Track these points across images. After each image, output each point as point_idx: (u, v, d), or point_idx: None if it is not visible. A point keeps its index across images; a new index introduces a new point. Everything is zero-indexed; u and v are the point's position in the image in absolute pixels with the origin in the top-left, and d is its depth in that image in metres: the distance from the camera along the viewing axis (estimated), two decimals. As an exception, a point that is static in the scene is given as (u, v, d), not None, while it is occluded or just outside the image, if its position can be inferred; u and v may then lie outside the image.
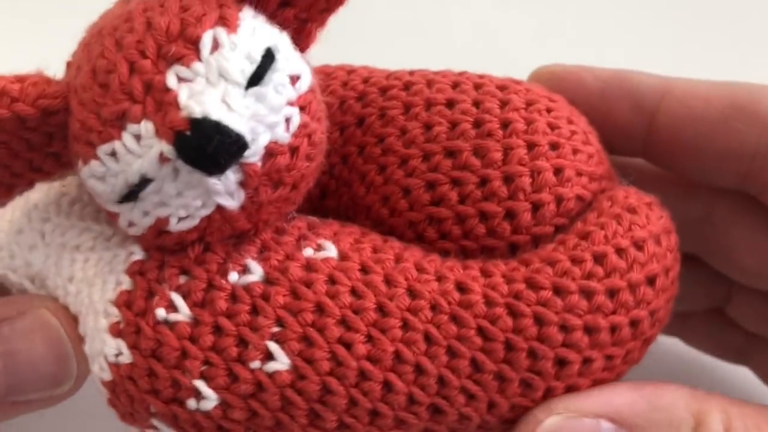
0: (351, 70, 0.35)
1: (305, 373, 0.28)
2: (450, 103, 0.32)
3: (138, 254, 0.30)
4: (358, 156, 0.33)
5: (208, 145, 0.25)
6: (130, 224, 0.29)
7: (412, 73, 0.34)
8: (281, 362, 0.28)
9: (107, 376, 0.29)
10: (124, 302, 0.29)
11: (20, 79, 0.28)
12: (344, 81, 0.35)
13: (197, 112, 0.25)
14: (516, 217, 0.30)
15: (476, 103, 0.32)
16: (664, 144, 0.35)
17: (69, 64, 0.30)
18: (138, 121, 0.26)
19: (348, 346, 0.28)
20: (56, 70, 0.29)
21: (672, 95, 0.34)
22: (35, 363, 0.31)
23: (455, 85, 0.33)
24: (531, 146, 0.31)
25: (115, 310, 0.29)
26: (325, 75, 0.35)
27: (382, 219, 0.32)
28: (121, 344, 0.29)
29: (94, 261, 0.31)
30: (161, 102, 0.26)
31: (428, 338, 0.28)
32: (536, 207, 0.30)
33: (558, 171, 0.31)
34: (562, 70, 0.36)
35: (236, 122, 0.25)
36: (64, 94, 0.28)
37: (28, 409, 0.33)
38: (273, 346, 0.28)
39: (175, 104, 0.25)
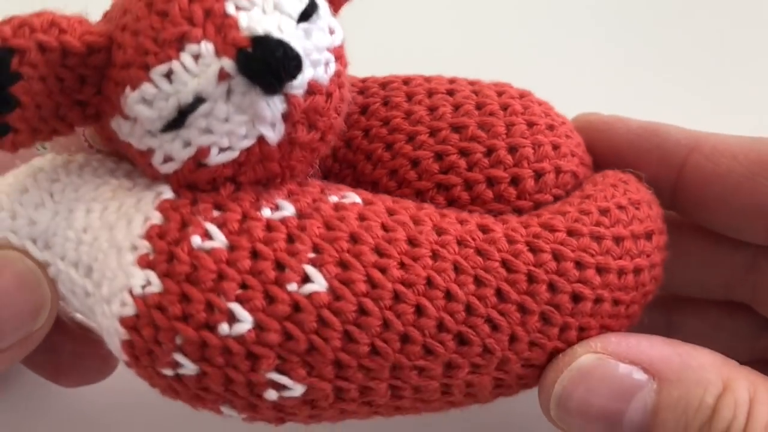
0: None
1: (342, 293, 0.28)
2: (450, 92, 0.35)
3: (167, 193, 0.30)
4: (363, 138, 0.35)
5: (272, 59, 0.26)
6: (167, 159, 0.29)
7: (407, 76, 0.37)
8: (318, 284, 0.28)
9: (130, 311, 0.29)
10: (157, 234, 0.29)
11: (65, 17, 0.29)
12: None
13: (259, 30, 0.27)
14: (521, 182, 0.33)
15: (475, 92, 0.35)
16: (692, 199, 0.35)
17: (107, 13, 0.31)
18: (198, 41, 0.27)
19: (383, 270, 0.29)
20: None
21: (699, 151, 0.35)
22: (8, 297, 0.31)
23: (451, 82, 0.36)
24: (530, 124, 0.34)
25: (144, 243, 0.29)
26: None
27: (389, 191, 0.34)
28: (150, 274, 0.28)
29: (114, 207, 0.30)
30: (221, 25, 0.27)
31: (456, 268, 0.29)
32: (538, 175, 0.33)
33: (556, 147, 0.34)
34: (597, 120, 0.37)
35: (295, 43, 0.27)
36: (108, 34, 0.29)
37: (8, 361, 0.31)
38: (310, 269, 0.28)
39: (236, 26, 0.27)
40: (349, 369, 0.29)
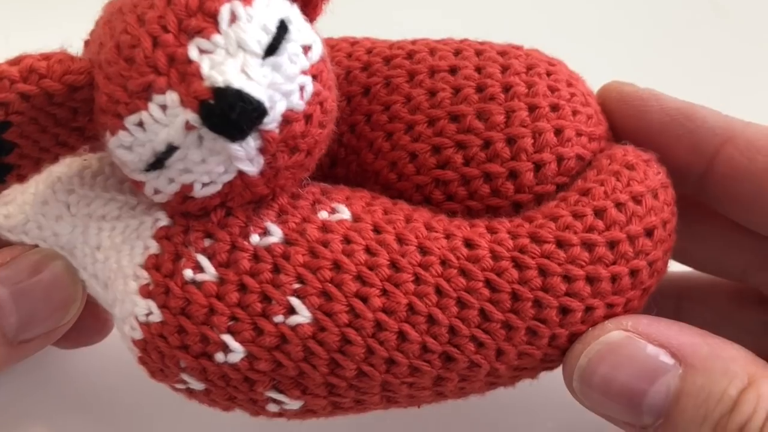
0: (354, 42, 0.37)
1: (325, 325, 0.29)
2: (453, 70, 0.34)
3: (163, 220, 0.31)
4: (366, 124, 0.34)
5: (231, 113, 0.26)
6: (156, 192, 0.30)
7: (414, 42, 0.36)
8: (303, 316, 0.29)
9: (138, 335, 0.31)
10: (153, 265, 0.30)
11: (46, 57, 0.29)
12: (348, 52, 0.36)
13: (220, 81, 0.27)
14: (519, 176, 0.32)
15: (478, 69, 0.33)
16: (721, 191, 0.34)
17: (88, 42, 0.31)
18: (163, 92, 0.27)
19: (364, 299, 0.29)
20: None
21: (733, 143, 0.33)
22: (45, 292, 0.33)
23: (457, 52, 0.34)
24: (532, 108, 0.32)
25: (144, 273, 0.31)
26: (329, 47, 0.36)
27: (390, 183, 0.34)
28: (152, 304, 0.30)
29: (120, 229, 0.32)
30: (184, 73, 0.27)
31: (439, 291, 0.30)
32: (538, 166, 0.32)
33: (558, 131, 0.32)
34: (631, 91, 0.35)
35: (256, 90, 0.27)
36: (88, 70, 0.29)
37: (34, 349, 0.34)
38: (295, 301, 0.29)
39: (198, 75, 0.27)
40: (339, 388, 0.30)
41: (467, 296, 0.29)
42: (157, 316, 0.30)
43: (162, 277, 0.30)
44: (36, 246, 0.34)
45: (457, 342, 0.30)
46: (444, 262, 0.30)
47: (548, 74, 0.34)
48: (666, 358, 0.29)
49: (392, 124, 0.34)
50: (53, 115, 0.30)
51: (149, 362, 0.31)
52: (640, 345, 0.30)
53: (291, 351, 0.29)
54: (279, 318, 0.29)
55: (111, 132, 0.29)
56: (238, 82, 0.27)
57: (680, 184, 0.34)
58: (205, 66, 0.27)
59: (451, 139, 0.33)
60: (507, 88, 0.33)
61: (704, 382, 0.29)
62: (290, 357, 0.30)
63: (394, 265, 0.30)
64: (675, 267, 0.36)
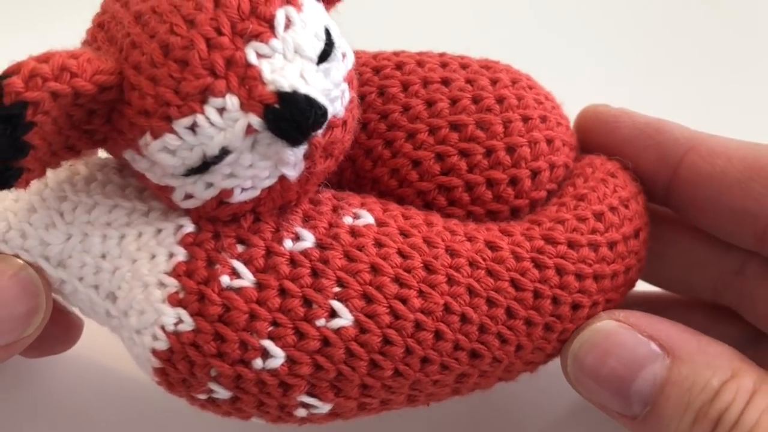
0: None
1: (368, 327, 0.30)
2: (445, 81, 0.35)
3: (189, 227, 0.30)
4: (361, 132, 0.35)
5: (301, 118, 0.27)
6: (187, 197, 0.29)
7: (398, 54, 0.37)
8: (345, 318, 0.30)
9: (163, 345, 0.30)
10: (184, 272, 0.30)
11: (74, 55, 0.28)
12: None
13: (286, 86, 0.27)
14: (518, 183, 0.34)
15: (469, 81, 0.35)
16: (685, 197, 0.36)
17: (94, 41, 0.30)
18: (222, 95, 0.27)
19: (404, 300, 0.30)
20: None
21: (696, 151, 0.35)
22: (6, 300, 0.32)
23: (444, 65, 0.36)
24: (525, 119, 0.35)
25: (172, 281, 0.30)
26: None
27: (390, 189, 0.35)
28: (182, 312, 0.30)
29: (133, 236, 0.31)
30: (244, 77, 0.27)
31: (471, 291, 0.31)
32: (535, 173, 0.34)
33: (549, 141, 0.35)
34: (604, 113, 0.37)
35: (319, 95, 0.27)
36: (119, 71, 0.28)
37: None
38: (337, 305, 0.30)
39: (260, 79, 0.27)
40: (373, 389, 0.31)
41: (496, 295, 0.31)
42: (188, 325, 0.30)
43: (195, 284, 0.30)
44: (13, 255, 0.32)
45: (485, 339, 0.31)
46: (472, 264, 0.31)
47: (530, 88, 0.36)
48: (654, 348, 0.31)
49: (392, 132, 0.35)
50: (71, 116, 0.29)
51: (171, 373, 0.30)
52: (630, 334, 0.32)
53: (333, 354, 0.30)
54: (321, 321, 0.30)
55: (153, 135, 0.28)
56: (304, 88, 0.27)
57: (649, 194, 0.37)
58: (266, 70, 0.27)
59: (454, 147, 0.34)
60: (500, 100, 0.35)
61: (689, 373, 0.31)
62: (332, 360, 0.30)
63: (427, 267, 0.31)
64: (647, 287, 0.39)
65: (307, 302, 0.30)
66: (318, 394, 0.31)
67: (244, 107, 0.27)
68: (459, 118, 0.34)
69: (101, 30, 0.31)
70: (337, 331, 0.30)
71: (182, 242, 0.30)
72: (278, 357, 0.30)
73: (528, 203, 0.35)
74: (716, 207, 0.35)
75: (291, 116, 0.27)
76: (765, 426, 0.29)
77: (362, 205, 0.33)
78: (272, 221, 0.31)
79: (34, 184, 0.32)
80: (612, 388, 0.32)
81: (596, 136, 0.37)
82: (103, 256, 0.31)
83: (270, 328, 0.29)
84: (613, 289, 0.33)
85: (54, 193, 0.32)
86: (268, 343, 0.29)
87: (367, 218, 0.32)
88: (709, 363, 0.31)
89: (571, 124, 0.38)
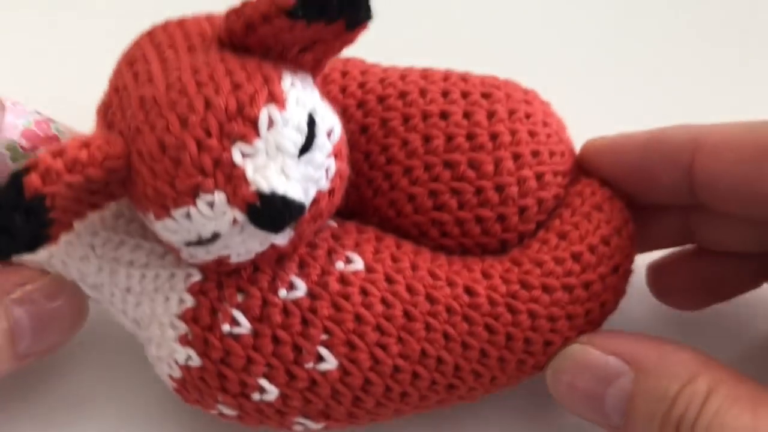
0: (344, 71, 0.39)
1: (351, 370, 0.34)
2: (444, 115, 0.37)
3: (196, 276, 0.35)
4: (364, 162, 0.38)
5: (278, 218, 0.30)
6: (192, 257, 0.33)
7: (403, 78, 0.39)
8: (330, 363, 0.34)
9: (177, 374, 0.35)
10: (191, 318, 0.34)
11: (85, 144, 0.31)
12: (342, 86, 0.39)
13: (265, 187, 0.30)
14: (506, 219, 0.37)
15: (466, 115, 0.37)
16: (709, 194, 0.36)
17: (110, 106, 0.33)
18: (211, 192, 0.30)
19: (384, 347, 0.34)
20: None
21: (703, 149, 0.36)
22: (61, 317, 0.37)
23: (445, 94, 0.38)
24: (516, 157, 0.37)
25: (182, 324, 0.34)
26: (322, 78, 0.39)
27: (389, 219, 0.38)
28: (191, 351, 0.34)
29: (151, 277, 0.35)
30: (230, 176, 0.30)
31: (446, 336, 0.35)
32: (522, 210, 0.37)
33: (539, 177, 0.37)
34: (603, 145, 0.38)
35: (296, 191, 0.30)
36: (125, 154, 0.32)
37: (33, 360, 0.38)
38: (323, 351, 0.34)
39: (244, 178, 0.30)
40: (358, 415, 0.36)
41: (470, 339, 0.35)
42: (196, 362, 0.34)
43: (201, 330, 0.34)
44: None
45: (460, 375, 0.35)
46: (449, 310, 0.35)
47: (527, 117, 0.38)
48: (619, 364, 0.34)
49: (390, 166, 0.37)
50: (89, 189, 0.32)
51: (186, 395, 0.36)
52: (594, 354, 0.35)
53: (320, 391, 0.34)
54: (309, 365, 0.34)
55: (156, 217, 0.32)
56: (281, 187, 0.30)
57: (677, 200, 0.38)
58: (250, 170, 0.30)
59: (446, 185, 0.36)
60: (494, 137, 0.37)
61: (652, 383, 0.33)
62: (319, 396, 0.34)
63: (407, 315, 0.34)
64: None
65: (297, 348, 0.34)
66: (311, 418, 0.35)
67: (230, 203, 0.30)
68: (452, 156, 0.36)
69: (117, 95, 0.34)
70: (323, 373, 0.34)
71: (190, 290, 0.34)
72: (272, 393, 0.34)
73: (516, 236, 0.37)
74: (740, 196, 0.35)
75: (269, 215, 0.30)
76: (717, 427, 0.31)
77: (356, 246, 0.36)
78: (270, 270, 0.34)
79: None
80: (588, 406, 0.35)
81: (604, 170, 0.38)
82: (128, 290, 0.36)
83: (265, 370, 0.34)
84: (588, 323, 0.36)
85: (87, 228, 0.36)
86: (263, 382, 0.34)
87: (357, 264, 0.35)
88: (669, 371, 0.33)
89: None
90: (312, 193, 0.32)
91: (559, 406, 0.37)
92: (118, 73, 0.35)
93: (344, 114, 0.38)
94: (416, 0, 0.56)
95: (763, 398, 0.32)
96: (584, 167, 0.39)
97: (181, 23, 0.36)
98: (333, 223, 0.37)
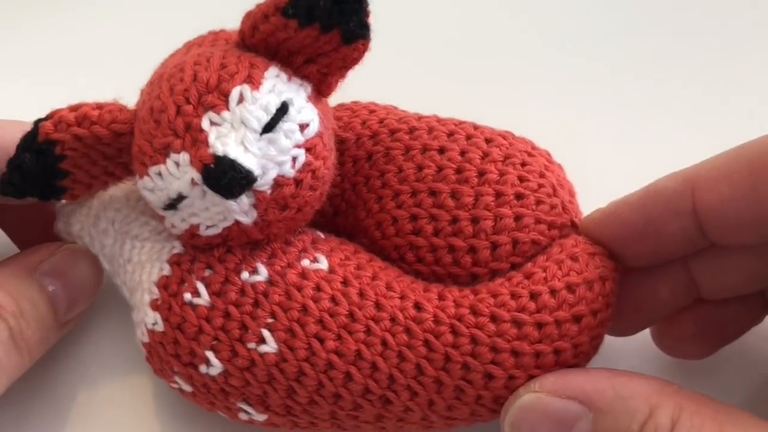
0: (372, 110, 0.43)
1: (287, 356, 0.35)
2: (441, 150, 0.39)
3: (178, 248, 0.38)
4: (363, 186, 0.40)
5: (223, 178, 0.33)
6: (172, 226, 0.37)
7: (419, 118, 0.41)
8: (270, 346, 0.36)
9: (146, 339, 0.38)
10: (163, 285, 0.37)
11: (100, 107, 0.36)
12: (364, 120, 0.42)
13: (220, 150, 0.33)
14: (477, 252, 0.37)
15: (462, 152, 0.39)
16: (717, 230, 0.36)
17: (141, 93, 0.38)
18: (178, 152, 0.34)
19: (321, 340, 0.35)
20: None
21: (699, 189, 0.35)
22: (85, 280, 0.41)
23: (450, 134, 0.40)
24: (498, 195, 0.37)
25: (156, 290, 0.37)
26: (351, 112, 0.42)
27: (374, 240, 0.39)
28: (157, 316, 0.37)
29: (147, 249, 0.39)
30: (196, 139, 0.34)
31: (384, 343, 0.35)
32: (495, 246, 0.37)
33: (518, 218, 0.37)
34: (599, 216, 0.38)
35: (248, 161, 0.33)
36: (131, 121, 0.36)
37: (70, 326, 0.42)
38: (266, 333, 0.36)
39: (206, 142, 0.33)
40: (295, 410, 0.36)
41: (407, 351, 0.35)
42: (160, 327, 0.37)
43: (168, 295, 0.37)
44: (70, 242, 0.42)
45: (395, 388, 0.35)
46: (393, 319, 0.35)
47: (522, 164, 0.39)
48: (576, 407, 0.33)
49: (383, 189, 0.39)
50: (102, 152, 0.37)
51: (152, 362, 0.38)
52: (549, 401, 0.34)
53: (257, 373, 0.36)
54: (251, 345, 0.36)
55: (139, 176, 0.36)
56: (234, 153, 0.33)
57: (689, 246, 0.37)
58: (212, 136, 0.33)
59: (426, 211, 0.38)
60: (481, 174, 0.38)
61: (611, 423, 0.32)
62: (256, 378, 0.36)
63: (351, 315, 0.36)
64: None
65: (244, 326, 0.36)
66: (252, 405, 0.37)
67: (192, 163, 0.34)
68: (437, 185, 0.38)
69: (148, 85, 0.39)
70: (262, 355, 0.36)
71: (169, 260, 0.38)
72: (216, 367, 0.36)
73: (487, 272, 0.37)
74: (749, 223, 0.35)
75: (216, 175, 0.33)
76: None
77: (329, 251, 0.38)
78: (240, 254, 0.37)
79: (102, 196, 0.41)
80: None
81: (608, 241, 0.38)
82: (129, 261, 0.40)
83: (212, 342, 0.36)
84: (538, 367, 0.35)
85: (112, 204, 0.41)
86: (209, 354, 0.36)
87: (321, 264, 0.37)
88: (627, 407, 0.32)
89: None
90: (272, 174, 0.34)
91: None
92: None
93: (357, 142, 0.41)
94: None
95: (726, 417, 0.31)
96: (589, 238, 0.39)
97: (218, 32, 0.41)
98: (319, 233, 0.39)
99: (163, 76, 0.36)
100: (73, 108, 0.36)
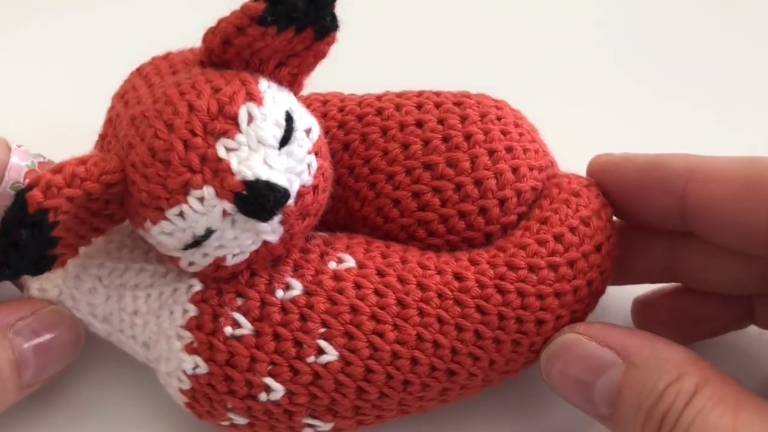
0: (324, 100, 0.42)
1: (351, 360, 0.35)
2: (419, 123, 0.40)
3: (197, 286, 0.36)
4: (349, 176, 0.40)
5: (265, 202, 0.32)
6: (191, 264, 0.35)
7: (380, 98, 0.41)
8: (331, 354, 0.35)
9: (186, 385, 0.36)
10: (195, 326, 0.36)
11: (82, 161, 0.33)
12: (323, 112, 0.41)
13: (249, 175, 0.32)
14: (488, 212, 0.38)
15: (440, 121, 0.39)
16: (698, 222, 0.38)
17: (105, 136, 0.36)
18: (200, 187, 0.32)
19: (381, 335, 0.35)
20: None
21: (695, 179, 0.37)
22: (61, 348, 0.39)
23: (419, 106, 0.40)
24: (491, 153, 0.39)
25: (187, 333, 0.36)
26: (305, 106, 0.42)
27: (377, 226, 0.40)
28: (197, 359, 0.36)
29: (155, 295, 0.37)
30: (217, 170, 0.32)
31: (440, 320, 0.36)
32: (502, 202, 0.38)
33: (515, 170, 0.39)
34: (606, 161, 0.41)
35: (279, 178, 0.32)
36: (120, 169, 0.34)
37: (35, 388, 0.39)
38: (323, 343, 0.35)
39: (229, 170, 0.32)
40: (365, 409, 0.36)
41: (463, 321, 0.36)
42: (203, 369, 0.36)
43: (205, 335, 0.35)
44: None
45: (458, 359, 0.36)
46: (441, 296, 0.36)
47: (498, 119, 0.40)
48: (610, 356, 0.35)
49: (374, 175, 0.39)
50: (90, 209, 0.34)
51: (197, 407, 0.37)
52: (588, 344, 0.36)
53: (324, 384, 0.35)
54: (311, 359, 0.35)
55: (152, 222, 0.34)
56: (265, 174, 0.32)
57: (667, 223, 0.40)
58: (234, 162, 0.32)
59: (428, 185, 0.39)
60: (468, 137, 0.39)
61: (641, 377, 0.34)
62: (324, 389, 0.35)
63: (400, 303, 0.36)
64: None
65: (298, 343, 0.35)
66: (319, 417, 0.36)
67: (219, 195, 0.32)
68: (430, 158, 0.39)
69: (111, 125, 0.37)
70: (325, 365, 0.35)
71: (192, 300, 0.36)
72: (278, 390, 0.35)
73: (500, 228, 0.39)
74: (725, 227, 0.37)
75: (255, 201, 0.32)
76: (699, 426, 0.32)
77: (347, 248, 0.38)
78: (266, 274, 0.36)
79: (78, 256, 0.38)
80: (578, 393, 0.36)
81: (605, 184, 0.40)
82: (135, 313, 0.37)
83: (269, 368, 0.35)
84: (577, 302, 0.37)
85: (93, 261, 0.38)
86: (268, 380, 0.35)
87: (349, 262, 0.37)
88: (659, 367, 0.34)
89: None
90: (296, 186, 0.34)
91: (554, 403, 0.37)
92: (111, 108, 0.38)
93: (326, 135, 0.40)
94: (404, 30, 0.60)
95: (746, 401, 0.33)
96: (589, 176, 0.41)
97: (167, 56, 0.39)
98: (324, 234, 0.39)
99: (148, 115, 0.34)
100: (56, 170, 0.33)
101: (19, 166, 0.39)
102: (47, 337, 0.38)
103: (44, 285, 0.39)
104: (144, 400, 0.42)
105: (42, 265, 0.35)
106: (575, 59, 0.60)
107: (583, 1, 0.64)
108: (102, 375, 0.43)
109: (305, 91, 0.42)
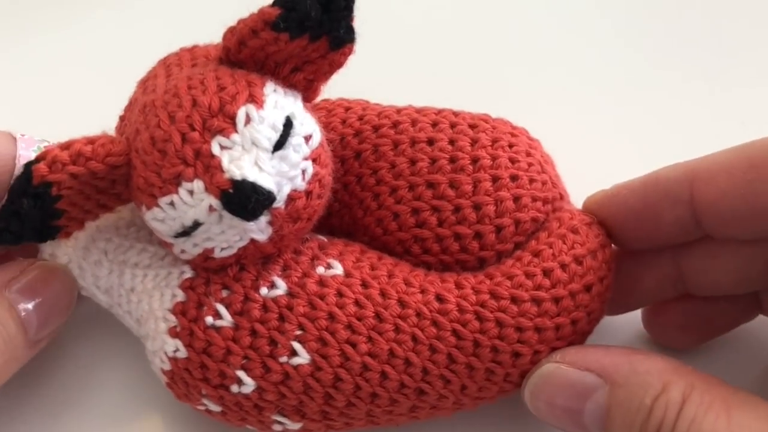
0: (347, 107, 0.43)
1: (321, 365, 0.36)
2: (430, 141, 0.40)
3: (188, 273, 0.38)
4: (357, 184, 0.41)
5: (247, 202, 0.33)
6: (182, 252, 0.36)
7: (399, 111, 0.42)
8: (303, 357, 0.36)
9: (167, 366, 0.38)
10: (180, 311, 0.37)
11: (91, 141, 0.35)
12: (343, 118, 0.42)
13: (237, 175, 0.33)
14: (483, 237, 0.38)
15: (451, 141, 0.40)
16: (713, 221, 0.37)
17: (123, 118, 0.37)
18: (191, 180, 0.33)
19: (353, 345, 0.36)
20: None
21: (698, 180, 0.37)
22: (58, 299, 0.40)
23: (434, 124, 0.41)
24: (495, 179, 0.39)
25: (172, 317, 0.37)
26: (326, 111, 0.43)
27: (376, 237, 0.40)
28: (178, 343, 0.37)
29: (151, 276, 0.39)
30: (208, 165, 0.33)
31: (414, 338, 0.36)
32: (499, 229, 0.39)
33: (517, 199, 0.39)
34: (602, 197, 0.40)
35: (266, 181, 0.33)
36: (126, 152, 0.35)
37: (43, 344, 0.41)
38: (297, 345, 0.36)
39: (220, 168, 0.33)
40: (332, 414, 0.37)
41: (437, 343, 0.36)
42: (182, 353, 0.37)
43: (187, 321, 0.37)
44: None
45: (429, 380, 0.36)
46: (419, 314, 0.36)
47: (510, 146, 0.40)
48: (592, 379, 0.35)
49: (379, 186, 0.40)
50: (96, 186, 0.36)
51: (175, 388, 0.38)
52: (568, 372, 0.36)
53: (293, 385, 0.36)
54: (283, 359, 0.36)
55: (147, 207, 0.35)
56: (253, 176, 0.33)
57: (684, 235, 0.39)
58: (225, 160, 0.33)
59: (427, 203, 0.39)
60: (475, 161, 0.39)
61: (626, 395, 0.34)
62: (292, 390, 0.36)
63: (378, 316, 0.36)
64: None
65: (273, 342, 0.36)
66: (287, 416, 0.37)
67: (207, 190, 0.33)
68: (434, 177, 0.39)
69: (129, 109, 0.38)
70: (296, 367, 0.36)
71: (181, 285, 0.37)
72: (249, 385, 0.36)
73: (494, 254, 0.39)
74: (738, 216, 0.37)
75: (239, 200, 0.33)
76: None
77: (339, 255, 0.38)
78: (254, 270, 0.37)
79: (89, 227, 0.40)
80: (569, 421, 0.36)
81: (608, 220, 0.40)
82: (132, 290, 0.39)
83: (243, 362, 0.36)
84: (558, 339, 0.37)
85: (102, 235, 0.40)
86: (241, 373, 0.36)
87: (336, 269, 0.38)
88: (642, 381, 0.34)
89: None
90: (286, 190, 0.34)
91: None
92: (134, 93, 0.40)
93: (341, 141, 0.41)
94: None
95: (735, 400, 0.32)
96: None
97: (192, 49, 0.41)
98: (323, 237, 0.40)
99: (157, 104, 0.35)
100: (65, 146, 0.35)
101: (26, 156, 0.40)
102: (44, 291, 0.40)
103: (56, 251, 0.41)
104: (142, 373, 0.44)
105: (45, 234, 0.36)
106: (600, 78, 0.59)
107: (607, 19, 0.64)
108: (100, 349, 0.45)
109: (334, 95, 0.43)
